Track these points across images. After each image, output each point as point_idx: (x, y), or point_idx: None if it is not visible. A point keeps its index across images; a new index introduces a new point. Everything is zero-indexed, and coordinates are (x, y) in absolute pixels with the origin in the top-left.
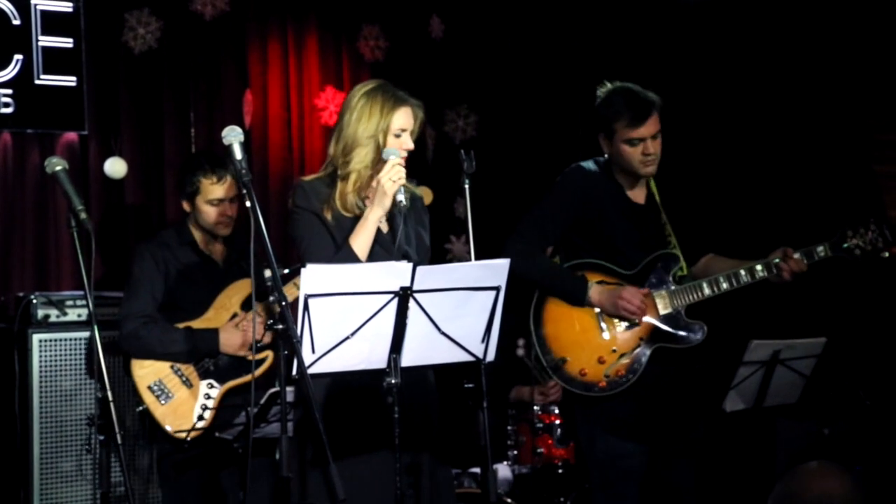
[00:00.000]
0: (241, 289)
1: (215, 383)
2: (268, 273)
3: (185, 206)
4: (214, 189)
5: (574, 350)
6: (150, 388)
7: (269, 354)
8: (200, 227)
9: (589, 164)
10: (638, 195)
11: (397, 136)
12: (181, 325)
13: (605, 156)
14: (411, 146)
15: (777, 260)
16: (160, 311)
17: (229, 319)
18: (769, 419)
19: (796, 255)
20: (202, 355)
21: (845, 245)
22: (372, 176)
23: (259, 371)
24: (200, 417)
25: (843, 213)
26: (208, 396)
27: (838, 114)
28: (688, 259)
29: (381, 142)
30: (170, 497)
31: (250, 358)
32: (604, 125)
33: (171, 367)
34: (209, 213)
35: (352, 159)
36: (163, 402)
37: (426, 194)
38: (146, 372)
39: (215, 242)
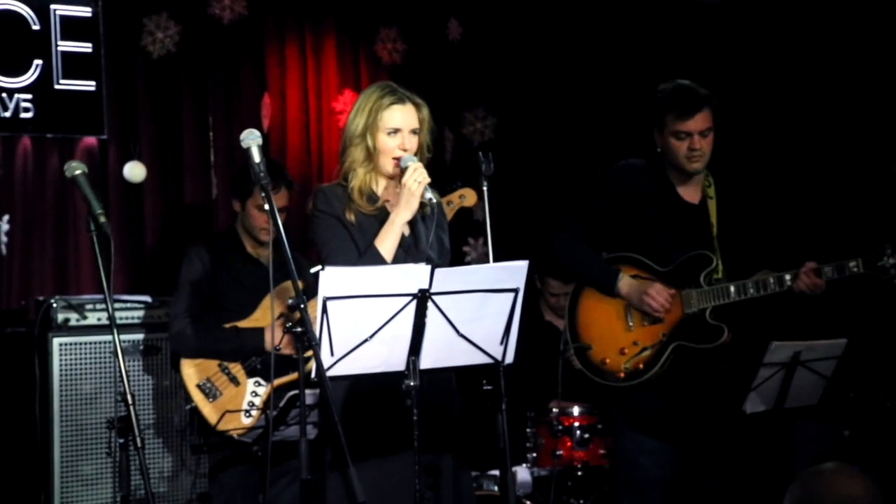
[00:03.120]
0: (287, 290)
1: (262, 381)
2: (313, 270)
3: (236, 205)
4: None
5: (599, 339)
6: (198, 386)
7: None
8: (246, 231)
9: (637, 161)
10: (691, 194)
11: (390, 134)
12: (228, 325)
13: (658, 150)
14: (410, 146)
15: (791, 273)
16: (209, 312)
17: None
18: (789, 421)
19: (826, 269)
20: (248, 354)
21: (880, 263)
22: (369, 175)
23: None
24: (248, 414)
25: (862, 215)
26: (255, 394)
27: (860, 114)
28: (740, 272)
29: (371, 140)
30: (215, 495)
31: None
32: (656, 118)
33: (219, 365)
34: (256, 217)
35: (346, 158)
36: (210, 399)
37: (469, 195)
38: (195, 370)
39: (262, 247)
